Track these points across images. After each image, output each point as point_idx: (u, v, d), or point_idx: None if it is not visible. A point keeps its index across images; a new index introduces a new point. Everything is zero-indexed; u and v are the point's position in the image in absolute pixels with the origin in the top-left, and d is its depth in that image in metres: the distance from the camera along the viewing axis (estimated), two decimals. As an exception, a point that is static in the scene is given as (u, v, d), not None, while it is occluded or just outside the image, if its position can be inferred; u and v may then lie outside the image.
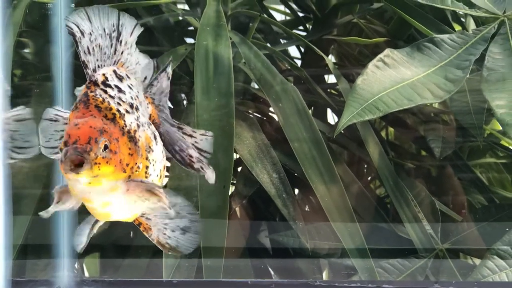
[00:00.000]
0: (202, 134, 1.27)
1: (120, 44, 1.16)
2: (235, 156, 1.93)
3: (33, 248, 1.81)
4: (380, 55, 1.72)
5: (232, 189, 2.01)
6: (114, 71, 1.14)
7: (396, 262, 1.85)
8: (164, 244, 1.21)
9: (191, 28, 2.29)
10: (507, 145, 2.37)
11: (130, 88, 1.15)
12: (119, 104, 1.10)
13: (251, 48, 1.93)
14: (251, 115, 2.05)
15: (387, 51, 1.73)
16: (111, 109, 1.09)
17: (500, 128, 2.43)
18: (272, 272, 1.98)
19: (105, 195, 1.09)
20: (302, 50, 2.36)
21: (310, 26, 2.38)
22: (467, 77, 1.74)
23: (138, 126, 1.12)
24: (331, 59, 2.29)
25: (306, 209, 2.16)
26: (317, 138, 1.83)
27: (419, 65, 1.72)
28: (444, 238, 1.93)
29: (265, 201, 2.06)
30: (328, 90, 2.31)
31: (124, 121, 1.10)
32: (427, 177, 2.25)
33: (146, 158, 1.12)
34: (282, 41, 2.33)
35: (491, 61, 1.72)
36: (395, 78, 1.68)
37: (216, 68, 1.84)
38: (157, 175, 1.16)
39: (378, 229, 1.98)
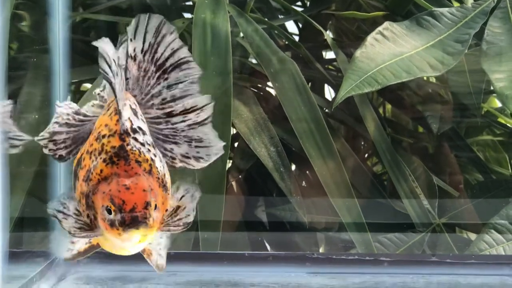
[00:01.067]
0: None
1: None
2: (233, 131, 1.93)
3: (30, 221, 1.80)
4: (379, 28, 1.71)
5: (229, 164, 2.01)
6: (129, 106, 1.10)
7: (393, 237, 1.86)
8: (161, 265, 1.20)
9: (189, 3, 2.28)
10: (504, 122, 2.36)
11: (143, 121, 1.11)
12: (149, 150, 1.07)
13: (250, 22, 1.92)
14: (248, 90, 2.04)
15: (386, 24, 1.72)
16: (147, 160, 1.06)
17: (498, 106, 2.43)
18: (268, 247, 1.98)
19: (142, 247, 1.09)
20: (300, 26, 2.35)
21: (308, 2, 2.36)
22: (466, 52, 1.74)
23: (162, 165, 1.09)
24: (329, 34, 2.27)
25: (303, 184, 2.16)
26: (315, 112, 1.82)
27: (418, 38, 1.71)
28: (441, 213, 1.93)
29: (262, 176, 2.06)
30: (326, 66, 2.30)
31: (157, 168, 1.07)
32: (424, 154, 2.25)
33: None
34: (280, 16, 2.31)
35: (491, 35, 1.71)
36: (394, 51, 1.67)
37: (214, 41, 1.83)
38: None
39: (375, 204, 1.98)
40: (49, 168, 1.68)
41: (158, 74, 1.15)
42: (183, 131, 1.17)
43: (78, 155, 1.14)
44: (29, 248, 1.67)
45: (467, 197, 2.04)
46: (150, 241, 1.08)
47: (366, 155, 2.39)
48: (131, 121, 1.07)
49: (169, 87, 1.16)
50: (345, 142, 2.00)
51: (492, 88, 2.17)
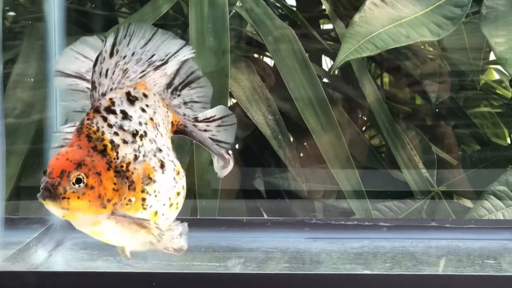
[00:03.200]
0: (218, 126, 1.24)
1: (156, 70, 1.12)
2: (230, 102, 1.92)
3: (27, 189, 1.79)
4: (378, -7, 1.70)
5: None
6: (128, 93, 1.10)
7: (392, 205, 1.85)
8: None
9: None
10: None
11: (143, 110, 1.11)
12: (116, 134, 1.07)
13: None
14: (246, 58, 2.03)
15: (385, -12, 1.71)
16: (102, 139, 1.06)
17: (495, 78, 2.43)
18: (265, 216, 1.97)
19: (90, 227, 1.08)
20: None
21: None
22: (464, 20, 1.73)
23: (136, 157, 1.08)
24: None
25: (300, 155, 2.15)
26: (313, 79, 1.82)
27: (416, 3, 1.70)
28: (439, 182, 1.93)
29: (259, 146, 2.05)
30: (323, 37, 2.29)
31: (117, 153, 1.07)
32: (422, 125, 2.24)
33: (142, 191, 1.08)
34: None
35: (490, 0, 1.70)
36: (393, 16, 1.66)
37: (211, 9, 1.81)
38: (165, 204, 1.11)
39: (373, 174, 1.97)
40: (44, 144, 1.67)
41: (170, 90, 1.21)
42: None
43: None
44: (26, 215, 1.66)
45: (465, 166, 2.04)
46: (92, 223, 1.07)
47: (363, 128, 2.38)
48: (111, 102, 1.08)
49: (185, 103, 1.22)
50: (343, 111, 1.99)
51: (490, 58, 2.19)
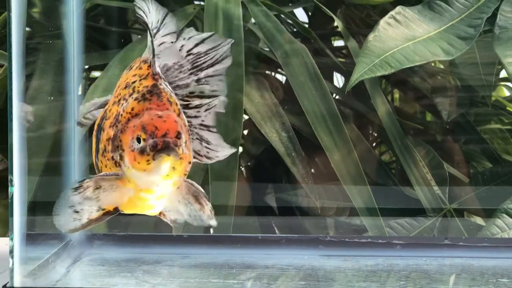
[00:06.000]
0: (206, 110, 1.21)
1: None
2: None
3: (43, 205, 1.81)
4: (392, 12, 1.72)
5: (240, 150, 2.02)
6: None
7: (404, 222, 1.86)
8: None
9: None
10: (512, 111, 2.37)
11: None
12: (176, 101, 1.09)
13: (261, 7, 1.92)
14: (259, 76, 2.05)
15: (399, 8, 1.73)
16: (176, 104, 1.08)
17: (506, 95, 2.44)
18: (278, 233, 1.98)
19: (167, 189, 1.08)
20: (310, 14, 2.35)
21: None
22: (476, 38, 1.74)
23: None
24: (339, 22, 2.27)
25: (312, 171, 2.16)
26: (326, 97, 1.83)
27: (430, 23, 1.72)
28: (451, 199, 1.94)
29: (273, 163, 2.06)
30: (335, 54, 2.30)
31: (183, 117, 1.09)
32: (432, 142, 2.25)
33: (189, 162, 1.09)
34: (290, 4, 2.32)
35: (503, 20, 1.72)
36: (407, 35, 1.68)
37: (226, 26, 1.83)
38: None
39: (385, 190, 1.98)
40: (62, 158, 1.69)
41: (191, 71, 1.20)
42: (195, 128, 1.19)
43: (101, 113, 1.15)
44: (43, 231, 1.67)
45: (477, 184, 2.04)
46: (173, 184, 1.07)
47: (374, 144, 2.39)
48: (160, 70, 1.11)
49: (198, 80, 1.20)
50: (355, 127, 2.00)
51: (501, 76, 2.20)
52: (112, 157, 1.07)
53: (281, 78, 2.17)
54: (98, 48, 2.07)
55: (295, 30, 2.19)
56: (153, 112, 1.04)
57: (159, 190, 1.08)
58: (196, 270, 1.49)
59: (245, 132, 2.10)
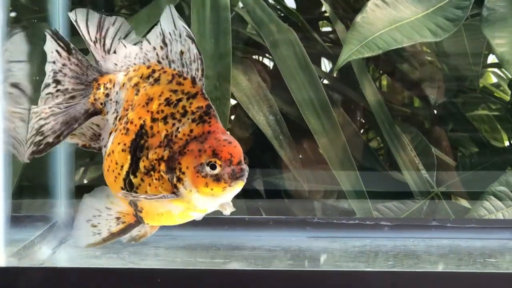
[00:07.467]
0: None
1: None
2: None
3: (29, 188, 1.80)
4: (380, -6, 1.71)
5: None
6: None
7: (392, 205, 1.86)
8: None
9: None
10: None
11: None
12: None
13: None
14: (246, 59, 2.04)
15: (387, -10, 1.72)
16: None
17: (493, 81, 2.44)
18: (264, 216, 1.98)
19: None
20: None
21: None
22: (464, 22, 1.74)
23: None
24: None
25: (299, 156, 2.16)
26: (314, 80, 1.83)
27: (418, 4, 1.72)
28: (438, 182, 1.94)
29: (260, 147, 2.06)
30: (323, 39, 2.30)
31: None
32: (420, 128, 2.25)
33: None
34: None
35: (491, 1, 1.72)
36: (395, 17, 1.68)
37: (213, 11, 1.82)
38: None
39: (373, 174, 1.98)
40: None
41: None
42: None
43: (133, 129, 1.11)
44: (29, 213, 1.66)
45: (464, 168, 2.05)
46: None
47: (361, 130, 2.39)
48: None
49: None
50: (344, 112, 2.00)
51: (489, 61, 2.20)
52: (168, 178, 1.07)
53: (269, 63, 2.17)
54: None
55: (282, 14, 2.19)
56: (218, 136, 1.04)
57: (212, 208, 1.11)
58: (183, 251, 1.49)
59: (232, 117, 2.09)
